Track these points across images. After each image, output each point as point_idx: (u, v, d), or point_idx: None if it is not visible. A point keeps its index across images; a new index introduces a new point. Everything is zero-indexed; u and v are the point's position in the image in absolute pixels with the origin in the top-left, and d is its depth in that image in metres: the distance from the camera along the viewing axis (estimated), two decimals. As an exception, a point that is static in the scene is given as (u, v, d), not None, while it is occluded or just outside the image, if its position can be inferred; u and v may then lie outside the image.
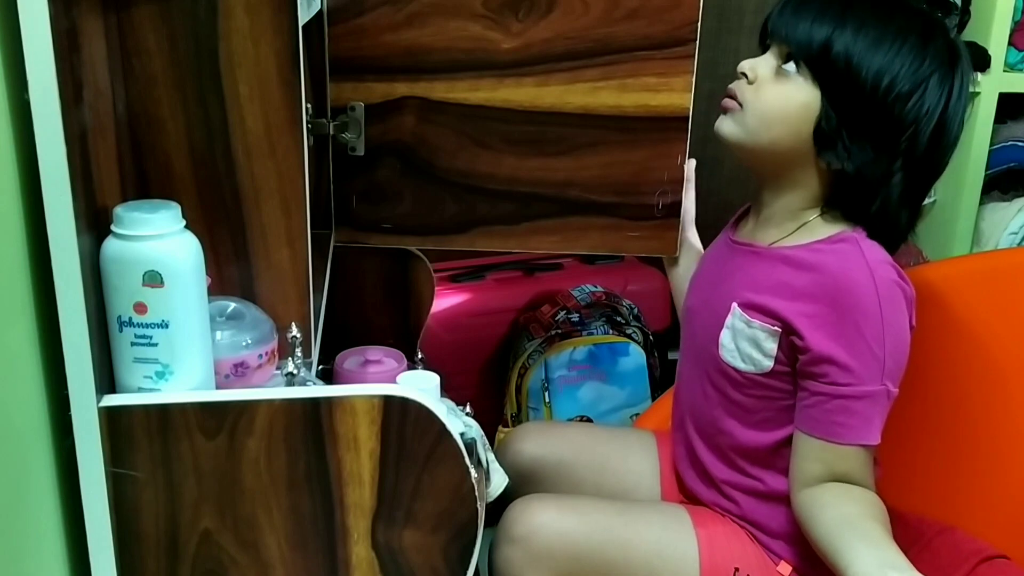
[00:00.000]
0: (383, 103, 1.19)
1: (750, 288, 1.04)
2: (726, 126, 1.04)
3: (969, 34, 1.88)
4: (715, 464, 1.10)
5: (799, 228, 1.03)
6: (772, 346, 1.01)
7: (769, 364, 1.01)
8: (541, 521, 1.03)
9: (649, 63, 1.16)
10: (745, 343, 1.03)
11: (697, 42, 1.15)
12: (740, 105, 1.02)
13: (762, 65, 1.02)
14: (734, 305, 1.04)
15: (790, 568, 1.05)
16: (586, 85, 1.18)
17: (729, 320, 1.04)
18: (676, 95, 1.17)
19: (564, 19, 1.15)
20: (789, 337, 0.99)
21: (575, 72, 1.17)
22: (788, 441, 1.03)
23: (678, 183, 1.21)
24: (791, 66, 0.99)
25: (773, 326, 1.00)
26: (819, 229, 1.03)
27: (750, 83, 1.02)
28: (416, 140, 1.20)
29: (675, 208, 1.23)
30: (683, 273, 1.25)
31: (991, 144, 1.95)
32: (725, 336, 1.05)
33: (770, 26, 1.03)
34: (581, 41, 1.16)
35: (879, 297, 0.96)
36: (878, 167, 0.98)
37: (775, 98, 1.00)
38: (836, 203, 1.02)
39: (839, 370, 0.96)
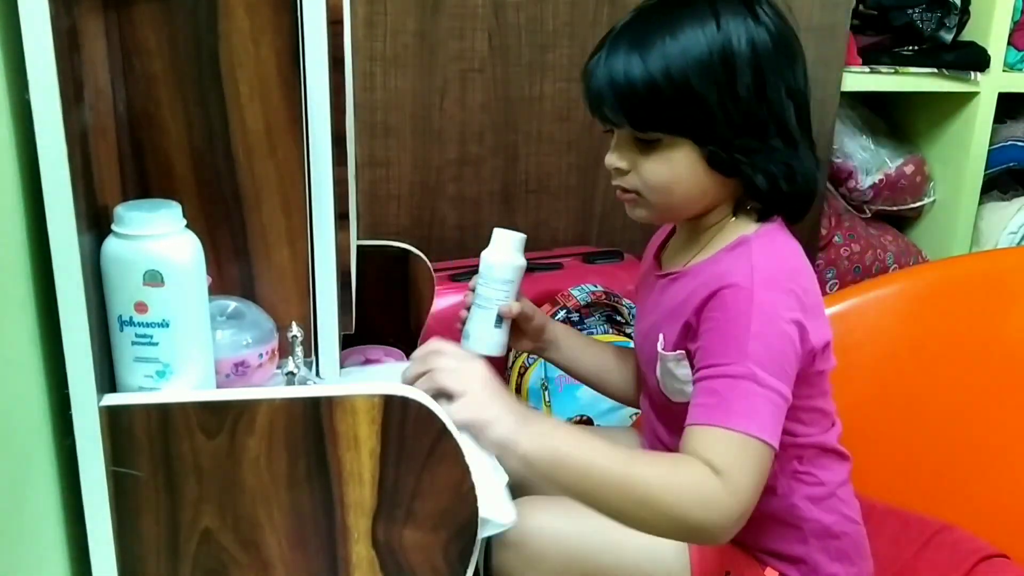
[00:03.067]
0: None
1: (665, 317, 1.01)
2: (638, 213, 1.00)
3: (969, 34, 1.89)
4: None
5: (712, 239, 1.00)
6: (686, 371, 0.97)
7: (692, 389, 0.95)
8: (534, 524, 1.03)
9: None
10: (667, 377, 1.01)
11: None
12: (636, 193, 0.98)
13: (624, 151, 0.97)
14: (660, 337, 1.01)
15: (776, 573, 1.05)
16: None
17: (658, 354, 1.02)
18: None
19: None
20: (689, 355, 0.97)
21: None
22: None
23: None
24: (645, 136, 0.95)
25: (676, 351, 0.98)
26: (728, 234, 0.99)
27: (627, 173, 0.97)
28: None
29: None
30: (560, 356, 1.21)
31: (990, 144, 1.95)
32: (659, 370, 1.02)
33: (596, 115, 0.97)
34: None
35: (753, 285, 0.90)
36: (781, 148, 0.94)
37: (657, 171, 0.95)
38: (749, 201, 0.99)
39: (704, 354, 0.92)
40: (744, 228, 0.99)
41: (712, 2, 0.92)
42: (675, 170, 0.94)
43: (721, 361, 0.89)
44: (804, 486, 1.03)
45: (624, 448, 0.93)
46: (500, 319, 1.10)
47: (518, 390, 1.60)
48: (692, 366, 0.96)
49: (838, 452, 1.07)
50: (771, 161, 0.94)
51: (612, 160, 0.98)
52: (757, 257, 0.94)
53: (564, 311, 1.63)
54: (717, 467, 0.85)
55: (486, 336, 1.11)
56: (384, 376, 1.09)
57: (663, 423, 1.09)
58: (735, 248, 0.97)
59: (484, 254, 1.11)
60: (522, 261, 1.10)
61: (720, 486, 0.85)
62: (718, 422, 0.87)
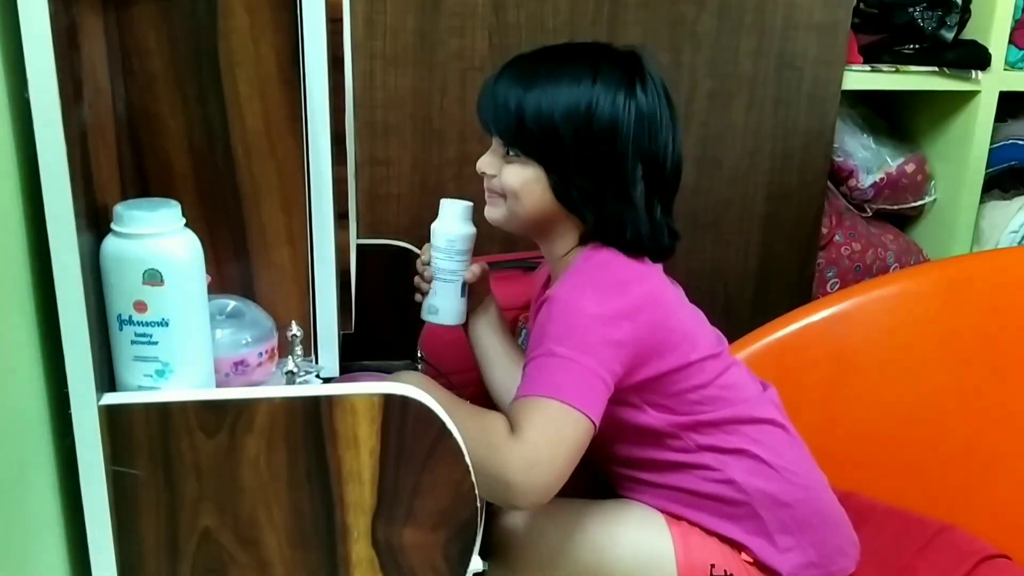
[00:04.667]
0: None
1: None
2: (488, 212, 1.12)
3: (969, 33, 1.88)
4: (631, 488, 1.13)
5: (566, 267, 1.08)
6: None
7: None
8: (515, 526, 1.03)
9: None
10: None
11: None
12: (502, 196, 1.09)
13: (493, 157, 1.09)
14: None
15: (750, 559, 1.06)
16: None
17: None
18: None
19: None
20: None
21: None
22: (665, 446, 1.07)
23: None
24: (509, 149, 1.07)
25: None
26: (575, 261, 1.08)
27: (492, 177, 1.09)
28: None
29: None
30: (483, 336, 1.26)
31: (991, 143, 1.95)
32: None
33: (479, 122, 1.09)
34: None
35: (560, 290, 1.02)
36: (617, 201, 1.04)
37: (512, 180, 1.06)
38: (596, 237, 1.07)
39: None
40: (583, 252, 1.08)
41: (596, 67, 1.04)
42: (525, 181, 1.06)
43: (530, 353, 1.02)
44: (735, 459, 1.07)
45: (469, 405, 1.02)
46: (464, 287, 1.16)
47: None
48: None
49: (770, 421, 1.09)
50: (603, 208, 1.04)
51: (481, 164, 1.11)
52: (575, 269, 1.05)
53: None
54: (514, 423, 0.97)
55: (455, 307, 1.16)
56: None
57: None
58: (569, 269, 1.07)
59: (439, 228, 1.16)
60: (474, 228, 1.16)
61: (509, 437, 0.96)
62: (521, 394, 0.99)
